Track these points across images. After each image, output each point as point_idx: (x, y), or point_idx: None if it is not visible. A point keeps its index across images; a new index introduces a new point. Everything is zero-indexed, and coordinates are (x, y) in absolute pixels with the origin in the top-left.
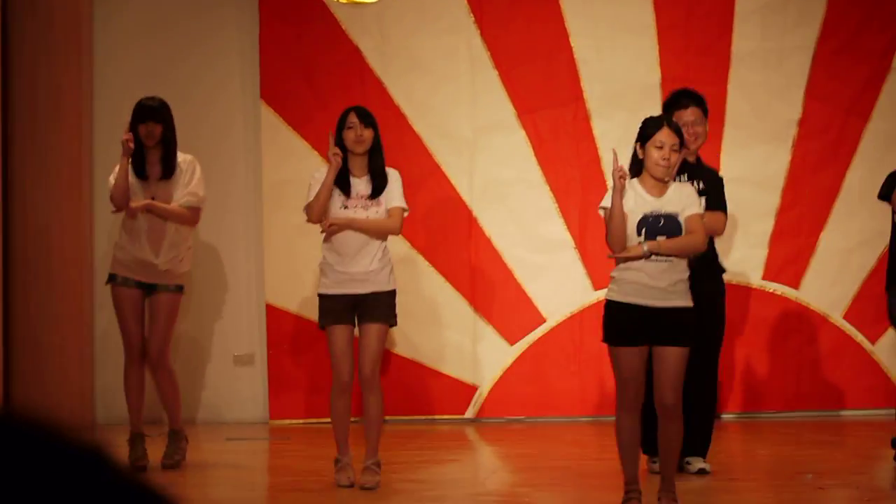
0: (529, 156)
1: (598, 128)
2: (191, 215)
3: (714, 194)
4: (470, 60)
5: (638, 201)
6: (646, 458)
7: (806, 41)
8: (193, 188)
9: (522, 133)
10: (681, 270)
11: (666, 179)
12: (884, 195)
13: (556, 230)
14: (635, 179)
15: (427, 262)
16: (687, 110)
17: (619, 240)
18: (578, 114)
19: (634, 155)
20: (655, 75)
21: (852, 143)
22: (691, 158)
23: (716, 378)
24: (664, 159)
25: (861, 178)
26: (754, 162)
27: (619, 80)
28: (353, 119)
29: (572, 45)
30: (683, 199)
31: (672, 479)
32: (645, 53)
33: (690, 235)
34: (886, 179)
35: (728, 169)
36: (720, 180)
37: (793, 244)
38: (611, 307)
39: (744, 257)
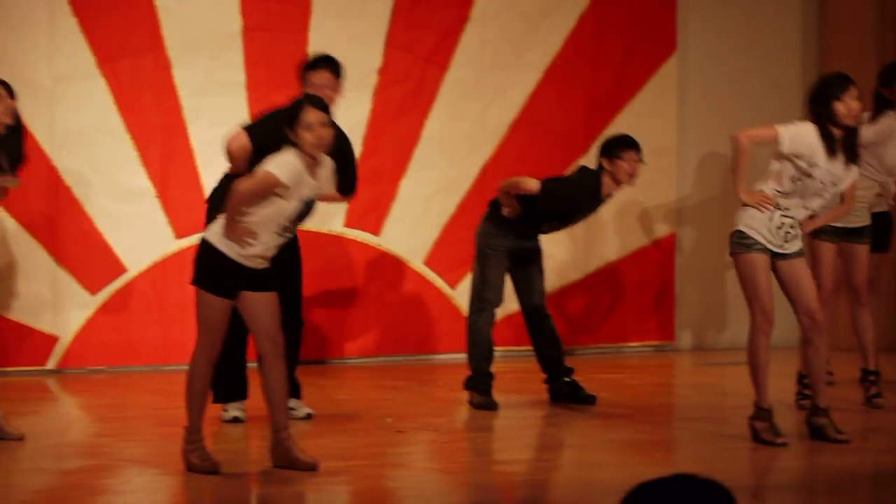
0: (110, 105)
1: (179, 76)
2: None
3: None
4: (48, 7)
5: (304, 182)
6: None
7: None
8: None
9: (103, 82)
10: None
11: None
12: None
13: (138, 179)
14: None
15: (6, 213)
16: (317, 73)
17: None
18: (159, 62)
19: (288, 139)
20: (236, 22)
21: (431, 91)
22: None
23: (301, 324)
24: (318, 137)
25: (440, 126)
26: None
27: (200, 28)
28: None
29: None
30: (325, 186)
31: (287, 421)
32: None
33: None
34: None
35: None
36: (346, 140)
37: (373, 191)
38: (216, 255)
39: (325, 205)
